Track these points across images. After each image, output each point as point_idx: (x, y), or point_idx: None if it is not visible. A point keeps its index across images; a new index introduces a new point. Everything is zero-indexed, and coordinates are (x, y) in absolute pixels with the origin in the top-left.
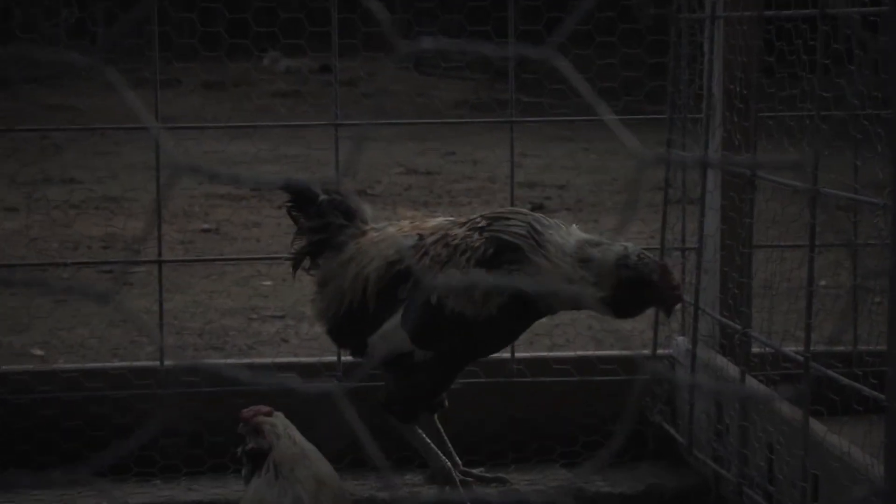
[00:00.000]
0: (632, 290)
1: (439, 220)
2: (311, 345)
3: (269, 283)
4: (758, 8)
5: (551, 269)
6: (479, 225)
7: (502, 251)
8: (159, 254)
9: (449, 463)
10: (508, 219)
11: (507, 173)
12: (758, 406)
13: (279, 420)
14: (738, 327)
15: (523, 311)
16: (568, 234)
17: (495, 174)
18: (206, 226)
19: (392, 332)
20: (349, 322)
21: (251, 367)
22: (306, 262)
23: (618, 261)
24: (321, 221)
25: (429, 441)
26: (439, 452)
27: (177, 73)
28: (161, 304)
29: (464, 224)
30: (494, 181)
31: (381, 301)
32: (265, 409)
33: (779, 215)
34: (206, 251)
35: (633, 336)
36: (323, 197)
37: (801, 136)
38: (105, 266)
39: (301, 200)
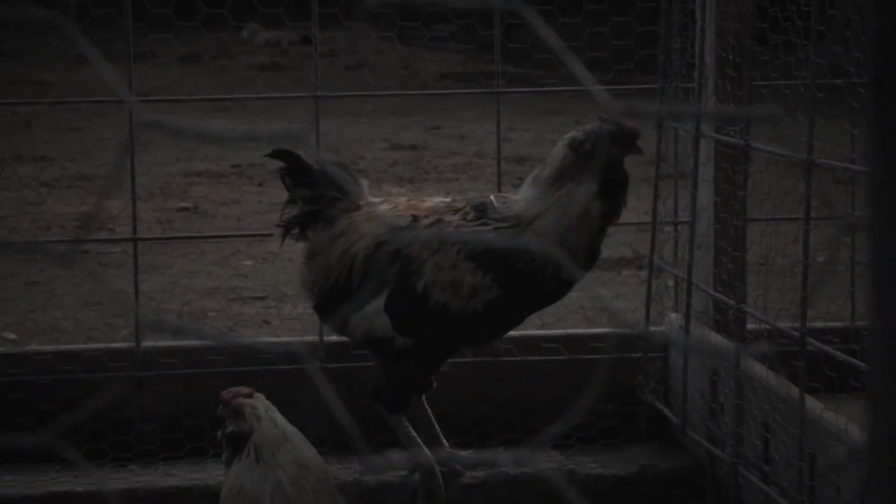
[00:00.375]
0: (603, 156)
1: (436, 202)
2: (294, 326)
3: (249, 262)
4: None
5: (545, 220)
6: (470, 217)
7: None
8: (134, 231)
9: (432, 458)
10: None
11: (495, 148)
12: (753, 384)
13: (260, 402)
14: (733, 303)
15: (518, 302)
16: (518, 192)
17: (483, 149)
18: (183, 204)
19: (374, 315)
20: (334, 298)
21: (230, 348)
22: (295, 232)
23: (571, 146)
24: (314, 192)
25: (414, 434)
26: (424, 447)
27: (152, 45)
28: (136, 285)
29: (458, 210)
30: (482, 156)
31: (367, 280)
32: (245, 390)
33: (774, 187)
34: (183, 230)
35: (625, 314)
36: (317, 168)
37: (796, 105)
38: (79, 246)
39: (295, 168)
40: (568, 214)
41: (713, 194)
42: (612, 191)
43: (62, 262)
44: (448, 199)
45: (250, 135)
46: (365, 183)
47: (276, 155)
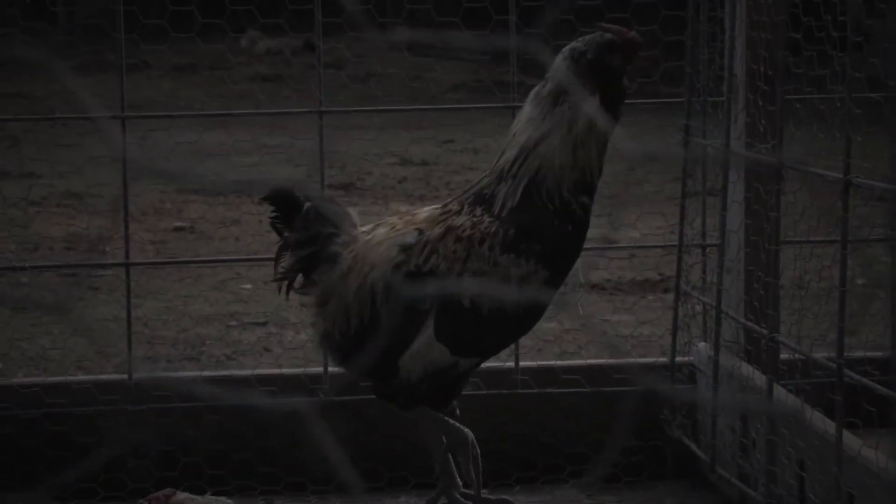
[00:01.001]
0: (604, 64)
1: (429, 210)
2: (296, 354)
3: (249, 286)
4: None
5: (553, 140)
6: (478, 213)
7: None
8: (126, 255)
9: (470, 435)
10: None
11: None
12: (787, 419)
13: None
14: (765, 332)
15: (563, 265)
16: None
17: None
18: (178, 223)
19: (427, 349)
20: (361, 342)
21: (228, 380)
22: (298, 281)
23: (572, 57)
24: (308, 233)
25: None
26: (462, 427)
27: (145, 55)
28: (129, 311)
29: (458, 211)
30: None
31: (396, 312)
32: (168, 491)
33: (808, 207)
34: (178, 252)
35: (651, 342)
36: (308, 204)
37: (831, 120)
38: (67, 269)
39: (285, 210)
40: (574, 130)
41: (744, 215)
42: (614, 103)
43: (55, 313)
44: (436, 207)
45: (247, 183)
46: (353, 212)
47: (271, 197)
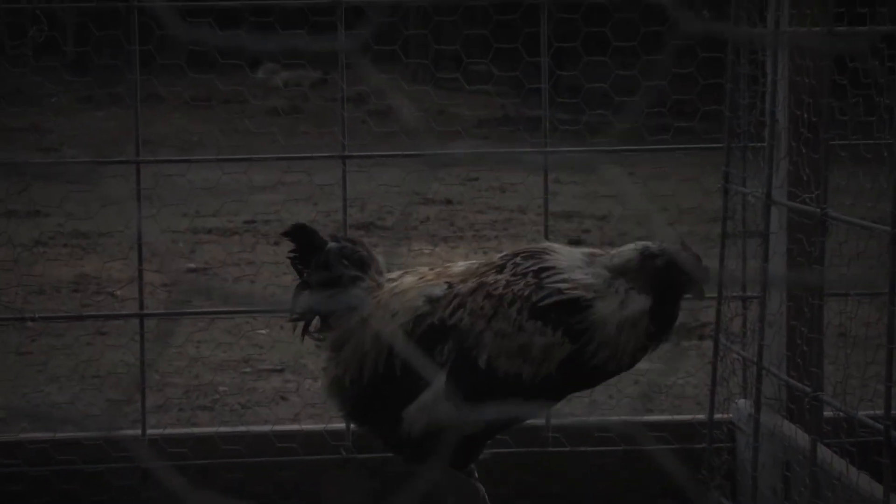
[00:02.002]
0: (667, 278)
1: (466, 265)
2: (315, 401)
3: (265, 331)
4: (828, 22)
5: (608, 306)
6: (523, 270)
7: (561, 303)
8: (140, 306)
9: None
10: (550, 264)
11: (540, 202)
12: (831, 480)
13: None
14: (808, 390)
15: (588, 354)
16: (573, 253)
17: (525, 203)
18: (191, 265)
19: (433, 404)
20: (373, 392)
21: (246, 436)
22: (315, 324)
23: (643, 253)
24: (330, 274)
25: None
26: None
27: (158, 86)
28: (143, 366)
29: (501, 268)
30: (525, 211)
31: (413, 364)
32: None
33: (854, 259)
34: (191, 295)
35: (685, 395)
36: (331, 244)
37: (878, 168)
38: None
39: (306, 249)
40: (623, 312)
41: (786, 267)
42: (662, 317)
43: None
44: (477, 262)
45: (278, 301)
46: (380, 258)
47: (291, 233)
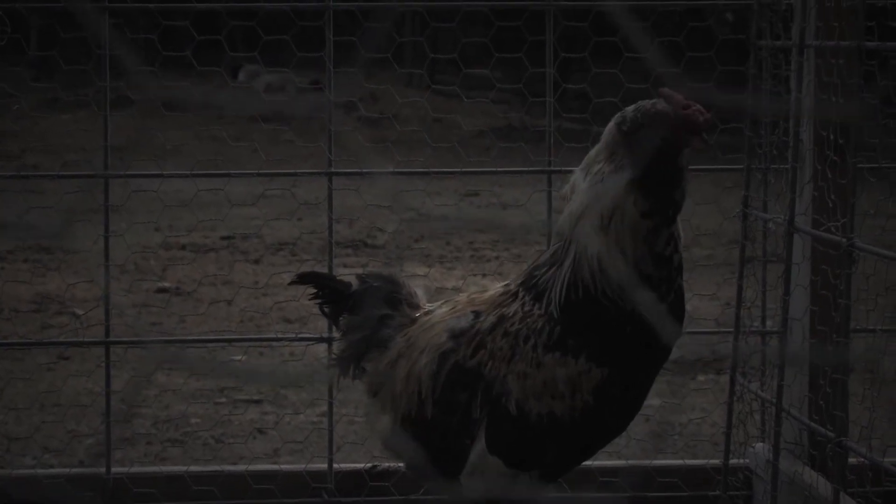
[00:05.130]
0: (649, 139)
1: (495, 291)
2: (295, 437)
3: (241, 357)
4: (857, 37)
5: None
6: (528, 303)
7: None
8: (106, 333)
9: None
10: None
11: (544, 219)
12: None
13: None
14: (831, 435)
15: (630, 367)
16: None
17: (529, 221)
18: (163, 284)
19: (480, 463)
20: (420, 451)
21: (219, 476)
22: (351, 368)
23: (617, 121)
24: (358, 317)
25: None
26: None
27: (128, 88)
28: (108, 398)
29: (515, 296)
30: (528, 230)
31: (447, 412)
32: None
33: (882, 294)
34: (162, 317)
35: (700, 435)
36: (356, 287)
37: None
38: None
39: (329, 293)
40: (603, 212)
41: (809, 301)
42: (657, 185)
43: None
44: (504, 286)
45: (271, 376)
46: (419, 291)
47: (303, 279)
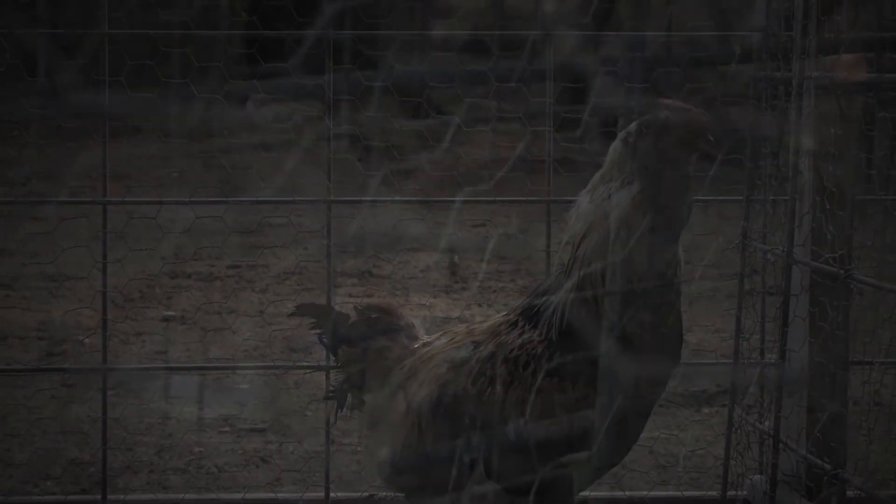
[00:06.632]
0: (656, 147)
1: (494, 321)
2: (297, 466)
3: (245, 386)
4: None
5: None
6: (527, 332)
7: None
8: (104, 359)
9: None
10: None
11: (552, 250)
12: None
13: None
14: (829, 467)
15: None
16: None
17: (534, 253)
18: (168, 313)
19: (481, 491)
20: (420, 481)
21: None
22: (349, 399)
23: (622, 138)
24: (356, 348)
25: None
26: None
27: (134, 119)
28: (104, 424)
29: (513, 325)
30: (534, 261)
31: (447, 442)
32: None
33: (880, 326)
34: (166, 345)
35: (704, 466)
36: (354, 317)
37: None
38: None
39: (327, 325)
40: (610, 226)
41: (807, 333)
42: (666, 197)
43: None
44: (503, 316)
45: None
46: (417, 322)
47: (302, 311)
